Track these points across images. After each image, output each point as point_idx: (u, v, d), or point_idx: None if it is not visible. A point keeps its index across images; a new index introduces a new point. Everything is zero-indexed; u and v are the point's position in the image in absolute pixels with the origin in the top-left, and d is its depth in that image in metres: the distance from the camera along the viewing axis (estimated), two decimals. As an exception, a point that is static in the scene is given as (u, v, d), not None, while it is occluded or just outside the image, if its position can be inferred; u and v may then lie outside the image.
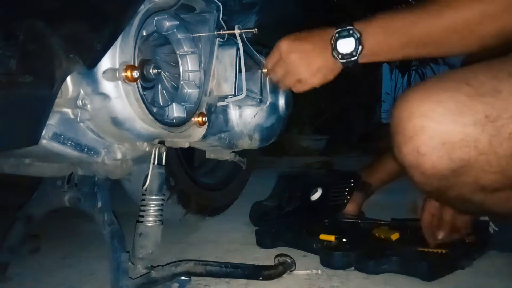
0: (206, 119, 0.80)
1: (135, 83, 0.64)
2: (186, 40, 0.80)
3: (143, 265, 0.75)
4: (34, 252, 1.00)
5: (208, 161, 1.27)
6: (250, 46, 0.86)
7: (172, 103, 0.77)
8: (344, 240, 0.96)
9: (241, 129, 0.92)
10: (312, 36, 0.80)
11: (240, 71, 0.83)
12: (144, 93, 0.68)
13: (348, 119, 4.38)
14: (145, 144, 0.77)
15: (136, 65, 0.64)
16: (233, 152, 1.03)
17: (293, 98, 1.00)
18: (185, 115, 0.77)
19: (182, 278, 0.78)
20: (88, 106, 0.65)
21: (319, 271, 0.88)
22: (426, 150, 0.64)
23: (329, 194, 1.22)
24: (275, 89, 0.95)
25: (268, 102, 0.93)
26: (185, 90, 0.80)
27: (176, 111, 0.77)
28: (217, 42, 0.82)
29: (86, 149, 0.69)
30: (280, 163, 3.01)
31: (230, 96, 0.83)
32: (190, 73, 0.81)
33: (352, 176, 1.25)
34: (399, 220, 1.15)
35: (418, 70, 4.62)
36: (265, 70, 0.90)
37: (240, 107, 0.92)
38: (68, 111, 0.66)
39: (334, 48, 0.76)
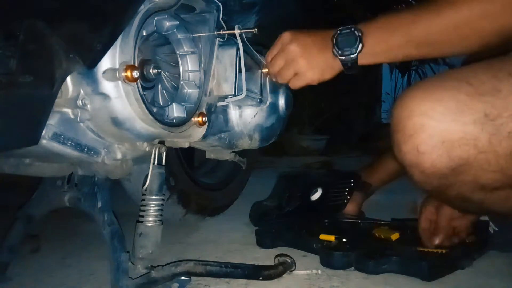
0: (206, 119, 0.80)
1: (135, 83, 0.64)
2: (186, 40, 0.80)
3: (143, 265, 0.75)
4: (34, 252, 1.00)
5: (208, 161, 1.27)
6: (250, 46, 0.86)
7: (172, 103, 0.77)
8: (344, 240, 0.96)
9: (241, 129, 0.92)
10: (314, 32, 0.81)
11: (240, 71, 0.83)
12: (144, 93, 0.68)
13: (348, 119, 4.38)
14: (145, 144, 0.77)
15: (136, 65, 0.64)
16: (233, 152, 1.03)
17: (293, 98, 1.00)
18: (185, 115, 0.77)
19: (182, 278, 0.78)
20: (88, 106, 0.65)
21: (319, 271, 0.88)
22: (426, 149, 0.64)
23: (329, 194, 1.22)
24: (275, 89, 0.95)
25: (268, 102, 0.93)
26: (185, 90, 0.80)
27: (176, 111, 0.77)
28: (217, 42, 0.82)
29: (86, 149, 0.69)
30: (280, 163, 3.01)
31: (230, 96, 0.83)
32: (190, 73, 0.81)
33: (352, 176, 1.25)
34: (399, 220, 1.15)
35: (418, 70, 4.62)
36: (265, 70, 0.90)
37: (240, 107, 0.92)
38: (68, 111, 0.66)
39: (335, 44, 0.76)
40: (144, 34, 0.71)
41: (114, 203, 0.78)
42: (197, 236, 1.20)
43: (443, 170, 0.64)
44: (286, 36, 0.82)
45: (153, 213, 0.76)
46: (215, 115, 0.86)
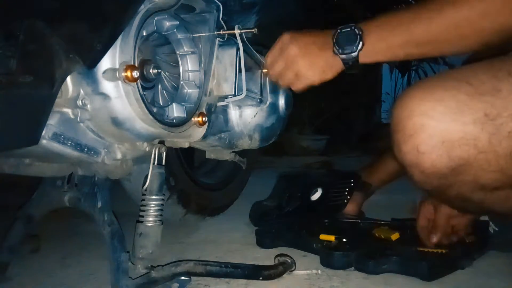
0: (206, 119, 0.80)
1: (135, 83, 0.64)
2: (186, 40, 0.80)
3: (143, 265, 0.75)
4: (34, 252, 1.00)
5: (208, 161, 1.27)
6: (250, 46, 0.86)
7: (172, 103, 0.77)
8: (344, 240, 0.96)
9: (241, 129, 0.92)
10: (314, 33, 0.81)
11: (240, 71, 0.83)
12: (144, 93, 0.68)
13: (348, 119, 4.37)
14: (145, 144, 0.77)
15: (136, 65, 0.64)
16: (233, 152, 1.03)
17: (293, 98, 1.00)
18: (185, 115, 0.77)
19: (182, 278, 0.78)
20: (88, 106, 0.65)
21: (319, 271, 0.88)
22: (426, 149, 0.64)
23: (329, 194, 1.22)
24: (275, 89, 0.95)
25: (268, 102, 0.93)
26: (185, 90, 0.80)
27: (176, 111, 0.77)
28: (217, 42, 0.82)
29: (86, 149, 0.69)
30: (280, 163, 3.01)
31: (230, 96, 0.83)
32: (190, 73, 0.81)
33: (352, 176, 1.25)
34: (399, 220, 1.15)
35: (418, 70, 4.62)
36: (265, 71, 0.90)
37: (240, 107, 0.92)
38: (68, 111, 0.66)
39: (335, 43, 0.76)
40: (144, 34, 0.71)
41: (114, 203, 0.78)
42: (197, 236, 1.20)
43: (443, 170, 0.64)
44: (285, 37, 0.82)
45: (153, 213, 0.76)
46: (215, 115, 0.86)
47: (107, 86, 0.64)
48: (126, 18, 0.64)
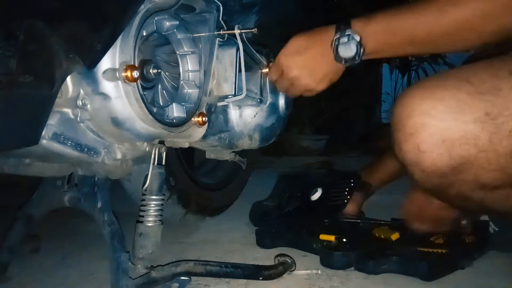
0: (206, 119, 0.80)
1: (135, 83, 0.64)
2: (186, 40, 0.80)
3: (143, 265, 0.75)
4: (34, 252, 1.00)
5: (208, 161, 1.27)
6: (250, 46, 0.86)
7: (172, 103, 0.77)
8: (344, 240, 0.96)
9: (241, 129, 0.92)
10: (310, 45, 0.80)
11: (240, 71, 0.83)
12: (144, 93, 0.68)
13: (348, 119, 4.37)
14: (145, 144, 0.77)
15: (136, 65, 0.64)
16: (233, 152, 1.03)
17: (293, 98, 1.00)
18: (185, 115, 0.77)
19: (182, 278, 0.78)
20: (88, 106, 0.65)
21: (319, 271, 0.88)
22: (426, 148, 0.64)
23: (329, 194, 1.22)
24: (275, 89, 0.95)
25: (268, 102, 0.94)
26: (185, 90, 0.80)
27: (176, 111, 0.77)
28: (217, 42, 0.82)
29: (86, 149, 0.69)
30: (280, 163, 3.01)
31: (230, 96, 0.83)
32: (190, 73, 0.81)
33: (352, 176, 1.25)
34: (399, 220, 1.15)
35: (418, 70, 4.62)
36: (265, 70, 0.90)
37: (240, 107, 0.92)
38: (68, 111, 0.66)
39: (336, 54, 0.76)
40: (144, 34, 0.71)
41: (114, 203, 0.78)
42: (197, 236, 1.20)
43: (444, 169, 0.64)
44: (283, 62, 0.82)
45: (153, 213, 0.76)
46: (215, 115, 0.86)
47: (107, 86, 0.64)
48: (126, 18, 0.64)
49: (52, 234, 1.16)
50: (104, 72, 0.63)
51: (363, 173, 1.28)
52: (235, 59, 0.82)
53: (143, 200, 0.77)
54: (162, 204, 0.78)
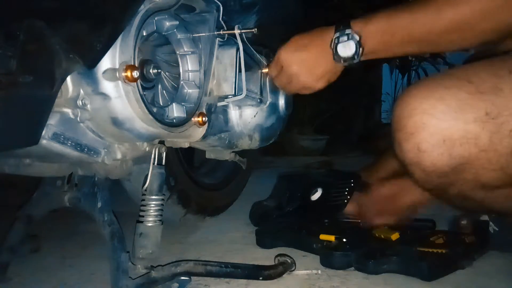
0: (206, 119, 0.80)
1: (135, 83, 0.64)
2: (186, 40, 0.80)
3: (143, 265, 0.75)
4: (34, 252, 1.00)
5: (208, 161, 1.27)
6: (250, 46, 0.86)
7: (172, 103, 0.77)
8: (344, 240, 0.96)
9: (241, 129, 0.92)
10: (310, 43, 0.81)
11: (240, 71, 0.83)
12: (144, 93, 0.68)
13: (348, 119, 4.37)
14: (145, 144, 0.77)
15: (136, 65, 0.64)
16: (233, 152, 1.03)
17: (293, 98, 1.00)
18: (185, 115, 0.77)
19: (182, 278, 0.78)
20: (88, 106, 0.65)
21: (319, 271, 0.88)
22: (427, 147, 0.64)
23: (329, 194, 1.22)
24: (275, 89, 0.95)
25: (268, 102, 0.94)
26: (185, 90, 0.80)
27: (176, 111, 0.77)
28: (217, 42, 0.82)
29: (86, 149, 0.69)
30: (280, 163, 3.01)
31: (230, 96, 0.83)
32: (190, 73, 0.81)
33: (352, 176, 1.25)
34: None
35: (418, 70, 4.62)
36: (265, 70, 0.90)
37: (240, 107, 0.92)
38: (68, 111, 0.66)
39: (335, 53, 0.76)
40: (144, 34, 0.71)
41: (114, 203, 0.78)
42: (197, 236, 1.20)
43: (444, 169, 0.64)
44: (283, 57, 0.82)
45: (153, 213, 0.76)
46: (215, 115, 0.86)
47: (107, 86, 0.64)
48: (126, 18, 0.64)
49: (52, 234, 1.16)
50: (104, 72, 0.63)
51: (363, 173, 1.28)
52: (235, 59, 0.82)
53: (143, 200, 0.77)
54: (162, 204, 0.78)
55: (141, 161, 0.80)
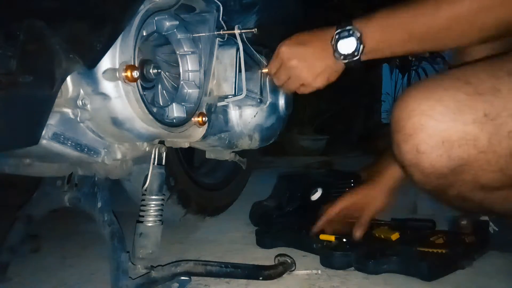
0: (206, 119, 0.80)
1: (135, 83, 0.64)
2: (186, 40, 0.80)
3: (143, 265, 0.75)
4: (34, 252, 1.00)
5: (208, 161, 1.27)
6: (250, 46, 0.86)
7: (172, 103, 0.77)
8: (344, 240, 0.96)
9: (241, 129, 0.92)
10: (312, 39, 0.80)
11: (240, 71, 0.83)
12: (144, 93, 0.68)
13: (348, 119, 4.37)
14: (145, 144, 0.77)
15: (136, 65, 0.64)
16: (233, 152, 1.03)
17: (293, 98, 1.00)
18: (185, 115, 0.77)
19: (182, 278, 0.78)
20: (88, 106, 0.65)
21: (319, 271, 0.88)
22: (426, 149, 0.64)
23: (329, 194, 1.22)
24: (275, 89, 0.95)
25: (268, 102, 0.94)
26: (185, 90, 0.80)
27: (176, 111, 0.77)
28: (217, 42, 0.82)
29: (86, 149, 0.69)
30: (280, 163, 3.01)
31: (230, 96, 0.83)
32: (190, 73, 0.81)
33: (352, 176, 1.25)
34: (399, 220, 1.15)
35: (418, 70, 4.62)
36: (265, 70, 0.90)
37: (240, 107, 0.92)
38: (68, 111, 0.66)
39: (335, 50, 0.76)
40: (144, 34, 0.71)
41: (114, 203, 0.78)
42: (197, 236, 1.20)
43: (443, 170, 0.64)
44: (284, 51, 0.81)
45: (153, 213, 0.76)
46: (215, 115, 0.86)
47: (107, 86, 0.64)
48: (126, 18, 0.64)
49: (52, 234, 1.16)
50: (104, 72, 0.63)
51: (363, 173, 1.28)
52: (235, 59, 0.82)
53: (143, 200, 0.77)
54: (162, 204, 0.78)
55: (141, 161, 0.80)
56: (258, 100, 0.91)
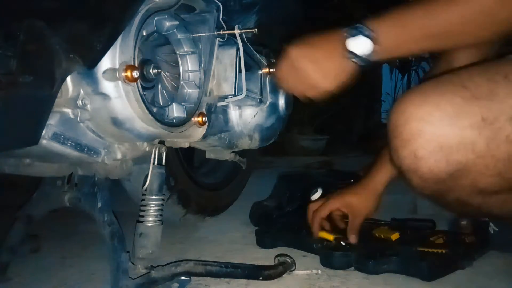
0: (206, 119, 0.80)
1: (135, 83, 0.64)
2: (186, 40, 0.80)
3: (143, 265, 0.75)
4: (34, 252, 1.00)
5: (208, 161, 1.27)
6: (250, 46, 0.86)
7: (172, 103, 0.77)
8: (343, 243, 0.96)
9: (241, 129, 0.92)
10: (322, 40, 0.77)
11: (240, 71, 0.83)
12: (144, 93, 0.68)
13: (348, 119, 4.37)
14: (145, 144, 0.77)
15: (136, 65, 0.64)
16: (233, 152, 1.03)
17: (293, 98, 1.00)
18: (185, 115, 0.77)
19: (182, 278, 0.78)
20: (88, 106, 0.65)
21: (319, 271, 0.88)
22: (424, 154, 0.63)
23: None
24: (275, 89, 0.95)
25: (268, 102, 0.94)
26: (185, 90, 0.80)
27: (176, 111, 0.77)
28: (217, 42, 0.82)
29: (86, 149, 0.69)
30: (280, 163, 3.01)
31: (230, 96, 0.83)
32: (190, 73, 0.81)
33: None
34: (399, 220, 1.15)
35: (418, 71, 4.63)
36: (265, 70, 0.90)
37: (240, 107, 0.92)
38: (68, 111, 0.66)
39: (346, 48, 0.72)
40: (144, 34, 0.71)
41: (114, 203, 0.78)
42: (197, 236, 1.20)
43: (441, 175, 0.64)
44: (292, 52, 0.78)
45: (153, 213, 0.76)
46: (215, 115, 0.86)
47: (107, 86, 0.64)
48: (126, 18, 0.64)
49: (52, 234, 1.16)
50: (104, 72, 0.63)
51: (363, 173, 1.28)
52: (235, 59, 0.82)
53: (143, 200, 0.77)
54: (162, 204, 0.78)
55: (141, 161, 0.80)
56: (258, 100, 0.91)
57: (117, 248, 0.74)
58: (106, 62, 0.63)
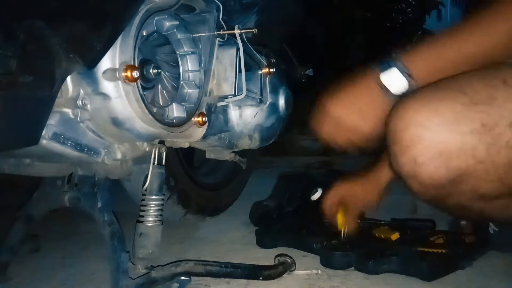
0: (206, 119, 0.80)
1: (135, 83, 0.64)
2: (186, 40, 0.80)
3: (143, 265, 0.75)
4: (34, 252, 1.00)
5: (208, 161, 1.27)
6: (250, 46, 0.86)
7: (172, 103, 0.77)
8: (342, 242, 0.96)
9: (241, 129, 0.92)
10: (353, 83, 0.75)
11: (240, 71, 0.83)
12: (144, 93, 0.68)
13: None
14: (145, 144, 0.76)
15: (136, 65, 0.64)
16: (233, 152, 1.03)
17: (293, 98, 1.00)
18: (185, 115, 0.77)
19: (182, 278, 0.78)
20: (88, 106, 0.65)
21: (319, 271, 0.88)
22: (423, 160, 0.63)
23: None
24: (275, 89, 0.95)
25: (268, 102, 0.94)
26: (185, 90, 0.80)
27: (176, 111, 0.76)
28: (217, 42, 0.82)
29: (86, 149, 0.69)
30: (280, 163, 3.01)
31: (230, 96, 0.83)
32: (190, 73, 0.81)
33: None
34: (399, 220, 1.15)
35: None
36: (265, 70, 0.90)
37: (240, 107, 0.92)
38: (68, 111, 0.66)
39: (381, 86, 0.70)
40: (144, 34, 0.71)
41: (114, 203, 0.78)
42: (197, 236, 1.20)
43: (441, 181, 0.63)
44: (327, 103, 0.77)
45: (153, 213, 0.76)
46: (215, 115, 0.86)
47: (107, 86, 0.64)
48: (126, 18, 0.64)
49: (52, 234, 1.16)
50: (104, 72, 0.63)
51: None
52: (235, 59, 0.82)
53: (143, 200, 0.77)
54: (162, 204, 0.78)
55: (141, 161, 0.80)
56: (258, 100, 0.91)
57: (117, 248, 0.74)
58: (106, 62, 0.63)
